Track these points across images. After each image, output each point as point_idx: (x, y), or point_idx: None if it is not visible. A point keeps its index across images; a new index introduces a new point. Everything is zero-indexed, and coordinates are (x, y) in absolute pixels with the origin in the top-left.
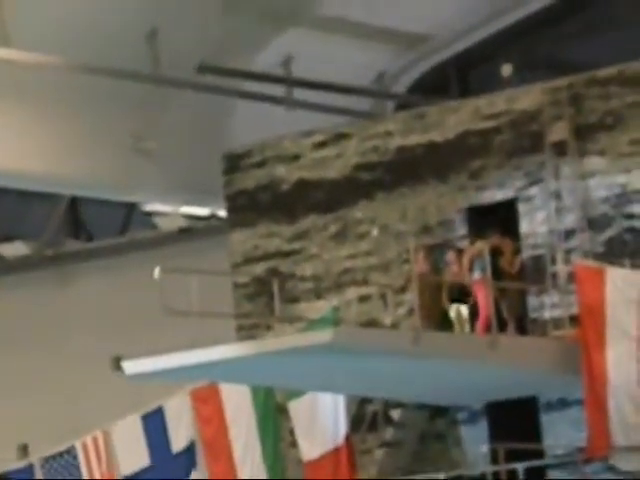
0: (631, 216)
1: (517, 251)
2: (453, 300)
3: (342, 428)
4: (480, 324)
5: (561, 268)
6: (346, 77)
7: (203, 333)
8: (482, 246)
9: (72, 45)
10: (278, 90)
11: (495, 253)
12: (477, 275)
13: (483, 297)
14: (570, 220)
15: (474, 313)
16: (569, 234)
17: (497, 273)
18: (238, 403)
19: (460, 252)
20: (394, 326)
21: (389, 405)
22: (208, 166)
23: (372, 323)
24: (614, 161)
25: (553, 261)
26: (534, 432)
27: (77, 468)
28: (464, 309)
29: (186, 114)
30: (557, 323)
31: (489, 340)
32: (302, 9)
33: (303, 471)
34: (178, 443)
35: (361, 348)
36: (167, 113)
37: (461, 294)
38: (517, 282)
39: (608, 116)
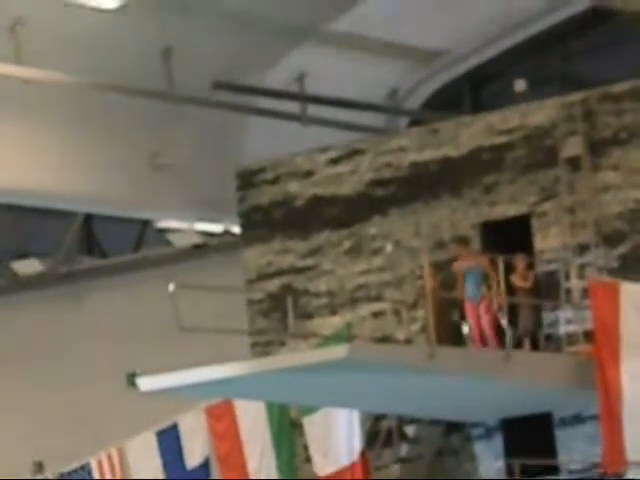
0: None
1: (531, 266)
2: (464, 316)
3: (357, 444)
4: (478, 341)
5: (575, 283)
6: (360, 93)
7: (217, 349)
8: (466, 263)
9: (87, 63)
10: (292, 106)
11: (508, 269)
12: (468, 291)
13: (474, 315)
14: (584, 235)
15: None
16: (583, 249)
17: (509, 288)
18: (253, 419)
19: None
20: (408, 342)
21: (404, 421)
22: (222, 183)
23: (386, 339)
24: (628, 176)
25: (567, 276)
26: (549, 448)
27: None
28: None
29: (200, 131)
30: (571, 339)
31: (504, 356)
32: (315, 25)
33: None
34: (193, 459)
35: (376, 363)
36: (181, 130)
37: None
38: (530, 297)
39: (622, 131)
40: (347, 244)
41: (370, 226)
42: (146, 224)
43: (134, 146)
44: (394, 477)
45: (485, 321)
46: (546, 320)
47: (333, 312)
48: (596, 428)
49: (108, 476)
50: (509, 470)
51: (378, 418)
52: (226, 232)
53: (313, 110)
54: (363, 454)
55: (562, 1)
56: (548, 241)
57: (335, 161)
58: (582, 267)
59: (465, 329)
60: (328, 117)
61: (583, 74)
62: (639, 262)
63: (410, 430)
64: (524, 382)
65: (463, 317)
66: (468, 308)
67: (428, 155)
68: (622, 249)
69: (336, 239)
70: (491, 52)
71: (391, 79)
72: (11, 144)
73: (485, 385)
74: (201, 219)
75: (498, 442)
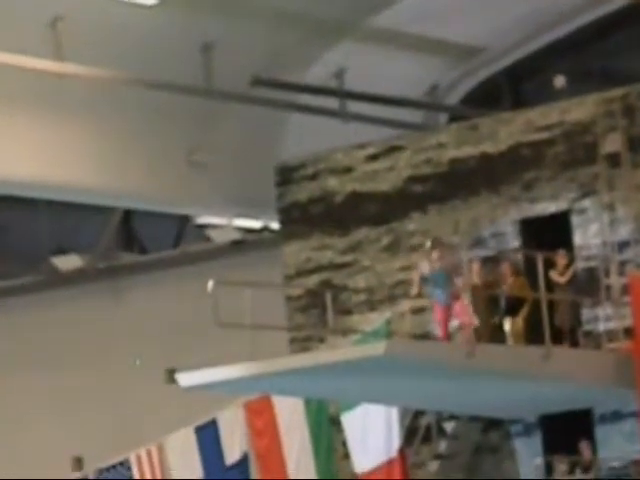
0: None
1: (571, 262)
2: (506, 313)
3: (396, 440)
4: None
5: (615, 280)
6: (399, 89)
7: (256, 345)
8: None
9: (126, 59)
10: (331, 103)
11: (548, 265)
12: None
13: (443, 316)
14: (624, 232)
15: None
16: (623, 246)
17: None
18: (291, 415)
19: (514, 265)
20: (448, 339)
21: (443, 418)
22: (261, 179)
23: (425, 336)
24: None
25: (607, 273)
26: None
27: None
28: (519, 322)
29: (239, 127)
30: (611, 335)
31: (543, 353)
32: (354, 22)
33: None
34: (232, 455)
35: (414, 361)
36: (221, 126)
37: (514, 307)
38: (568, 294)
39: None
40: (386, 240)
41: (409, 222)
42: (185, 220)
43: (173, 142)
44: (432, 474)
45: (464, 320)
46: (586, 317)
47: (372, 308)
48: (636, 425)
49: (147, 472)
50: (548, 467)
51: (417, 414)
52: (265, 228)
53: (352, 106)
54: (401, 451)
55: None
56: (588, 238)
57: (374, 157)
58: (622, 264)
59: (506, 326)
60: (367, 113)
61: (623, 70)
62: None
63: (449, 427)
64: (563, 379)
65: (506, 314)
66: (437, 310)
67: (467, 151)
68: None
69: (375, 235)
70: (531, 48)
71: (430, 75)
72: (51, 140)
73: (524, 382)
74: (240, 215)
75: (537, 439)
